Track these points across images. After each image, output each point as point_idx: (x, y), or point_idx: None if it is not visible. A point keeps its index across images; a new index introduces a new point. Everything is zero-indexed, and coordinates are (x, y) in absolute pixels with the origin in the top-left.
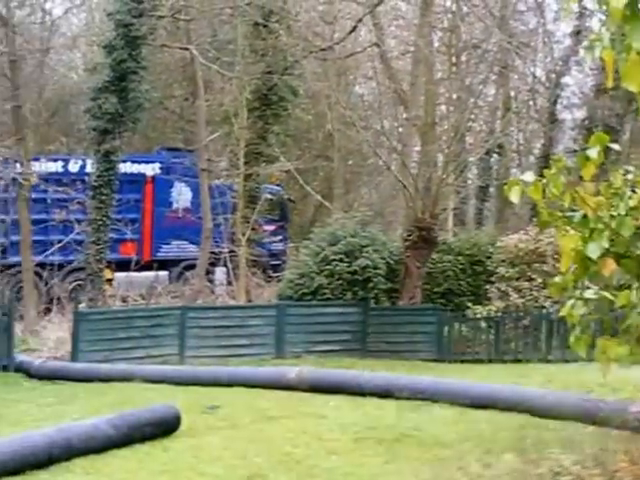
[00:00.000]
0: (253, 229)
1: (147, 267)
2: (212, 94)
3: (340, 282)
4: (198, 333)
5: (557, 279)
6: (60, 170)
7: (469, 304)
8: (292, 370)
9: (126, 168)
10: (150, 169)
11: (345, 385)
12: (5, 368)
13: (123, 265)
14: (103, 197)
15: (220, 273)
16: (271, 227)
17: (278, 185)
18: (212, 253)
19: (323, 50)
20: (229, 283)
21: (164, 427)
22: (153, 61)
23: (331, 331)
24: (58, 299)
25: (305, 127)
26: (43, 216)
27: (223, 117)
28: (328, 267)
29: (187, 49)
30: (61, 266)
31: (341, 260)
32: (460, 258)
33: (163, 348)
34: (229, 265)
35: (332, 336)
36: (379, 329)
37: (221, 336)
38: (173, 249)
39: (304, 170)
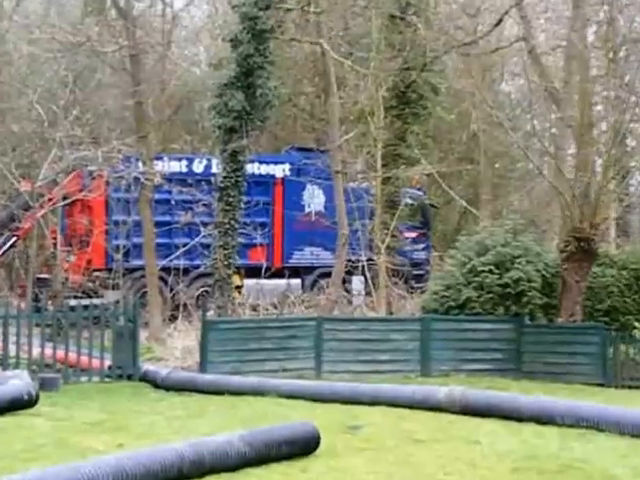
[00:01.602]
0: (393, 236)
1: (278, 274)
2: (345, 91)
3: (490, 295)
4: (335, 346)
5: None
6: (184, 170)
7: (636, 323)
8: (441, 390)
9: (254, 169)
10: (280, 170)
11: (501, 408)
12: (130, 377)
13: (253, 272)
14: (230, 199)
15: (358, 282)
16: (412, 234)
17: (419, 189)
18: (348, 261)
19: (466, 45)
20: (367, 293)
21: (302, 446)
22: (281, 56)
23: (481, 349)
24: (184, 306)
25: (447, 128)
26: (167, 218)
27: (357, 116)
28: (477, 279)
29: (318, 43)
30: (187, 271)
31: (491, 271)
32: (624, 273)
33: (298, 361)
34: (367, 274)
35: (483, 354)
36: (535, 348)
37: (361, 350)
38: (306, 256)
39: (447, 174)
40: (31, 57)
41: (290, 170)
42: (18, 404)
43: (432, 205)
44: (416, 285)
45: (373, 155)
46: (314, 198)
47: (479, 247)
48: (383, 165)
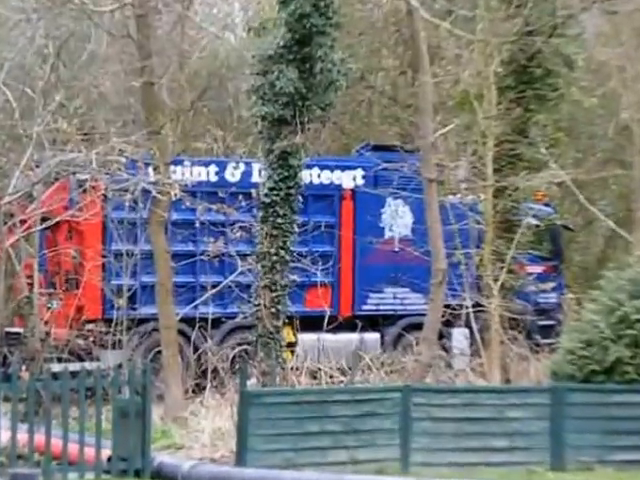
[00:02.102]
0: (511, 271)
1: (348, 326)
2: (442, 66)
3: None
4: (429, 428)
5: None
6: (213, 179)
7: None
8: None
9: (313, 177)
10: (349, 178)
11: None
12: (138, 473)
13: (311, 323)
14: (279, 220)
15: (460, 337)
16: (538, 268)
17: (547, 205)
18: (447, 307)
19: None
20: (474, 353)
21: None
22: (351, 16)
23: (638, 431)
24: (214, 372)
25: (587, 116)
26: (189, 248)
27: (460, 101)
28: (630, 332)
29: None
30: (218, 322)
31: None
32: None
33: (376, 449)
34: (474, 326)
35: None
36: None
37: (465, 434)
38: (387, 300)
39: (587, 182)
40: None
41: (364, 178)
42: None
43: (566, 227)
44: (544, 341)
45: (481, 156)
46: (398, 218)
47: (633, 287)
48: (496, 170)
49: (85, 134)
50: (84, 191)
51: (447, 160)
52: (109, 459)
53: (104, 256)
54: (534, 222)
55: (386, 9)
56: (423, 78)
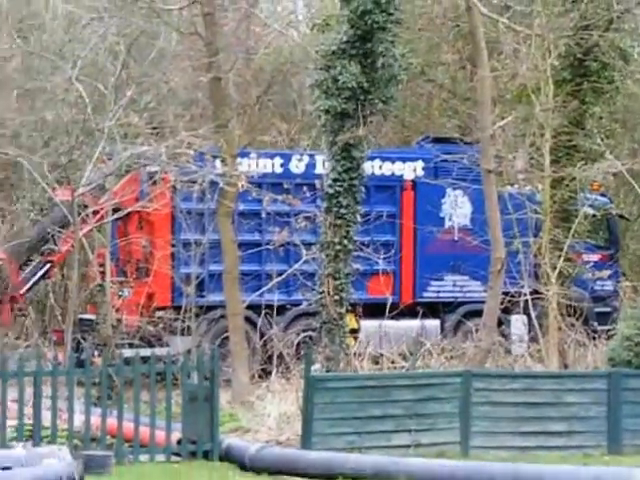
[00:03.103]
0: (568, 260)
1: (409, 313)
2: (500, 60)
3: None
4: (489, 412)
5: None
6: (278, 171)
7: None
8: (638, 472)
9: (375, 168)
10: (410, 170)
11: None
12: (207, 455)
13: (374, 310)
14: (342, 210)
15: (519, 324)
16: (595, 257)
17: (603, 195)
18: (505, 294)
19: None
20: (532, 339)
21: None
22: (411, 12)
23: None
24: (279, 357)
25: None
26: (255, 237)
27: (518, 94)
28: None
29: None
30: (283, 309)
31: None
32: None
33: (437, 433)
34: (532, 313)
35: None
36: None
37: (524, 418)
38: (447, 287)
39: None
40: (69, 19)
41: (424, 169)
42: None
43: (622, 217)
44: (600, 328)
45: (539, 148)
46: (457, 208)
47: None
48: (553, 161)
49: (155, 128)
50: (154, 183)
51: (505, 152)
52: (179, 442)
53: (173, 245)
54: (591, 212)
55: (445, 5)
56: (482, 72)
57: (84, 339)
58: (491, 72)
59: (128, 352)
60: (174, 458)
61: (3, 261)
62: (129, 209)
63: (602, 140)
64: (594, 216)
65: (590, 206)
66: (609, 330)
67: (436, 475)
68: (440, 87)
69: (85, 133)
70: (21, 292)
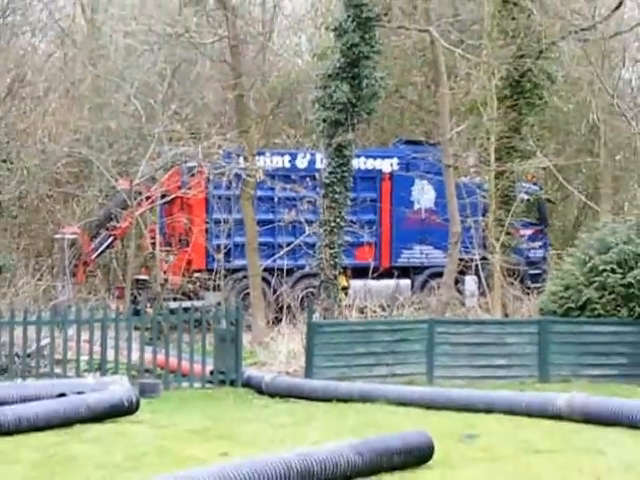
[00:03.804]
0: (508, 233)
1: (387, 274)
2: (456, 81)
3: (613, 296)
4: (448, 350)
5: None
6: (287, 165)
7: None
8: (561, 397)
9: (360, 164)
10: (387, 165)
11: (626, 416)
12: (233, 383)
13: (360, 272)
14: (336, 196)
15: (471, 283)
16: (528, 231)
17: (534, 184)
18: (461, 260)
19: (584, 30)
20: (481, 294)
21: (415, 456)
22: (388, 45)
23: (604, 353)
24: (288, 308)
25: (564, 118)
26: (269, 216)
27: (469, 107)
28: (598, 279)
29: (426, 31)
30: (290, 272)
31: (613, 271)
32: None
33: (408, 366)
34: (481, 274)
35: (605, 359)
36: None
37: (475, 354)
38: (416, 255)
39: (564, 167)
40: (128, 50)
41: (398, 165)
42: (118, 411)
43: (549, 200)
44: (533, 285)
45: (486, 148)
46: (424, 194)
47: (600, 245)
48: (497, 159)
49: (193, 133)
50: (192, 175)
51: (460, 151)
52: (211, 372)
53: (207, 222)
54: (525, 197)
55: (414, 39)
56: (442, 90)
57: (139, 294)
58: (449, 90)
59: (173, 304)
60: (208, 385)
61: (78, 235)
62: (173, 195)
63: (534, 142)
64: (528, 200)
65: (525, 192)
66: (539, 287)
67: (407, 397)
68: (410, 102)
69: (140, 137)
70: (91, 258)
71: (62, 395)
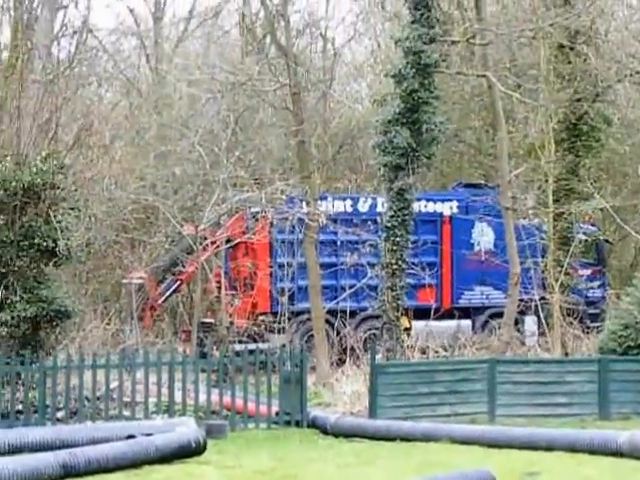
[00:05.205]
0: (567, 274)
1: (448, 315)
2: (514, 125)
3: None
4: (509, 389)
5: None
6: (349, 210)
7: None
8: (622, 434)
9: (421, 207)
10: (447, 208)
11: None
12: (298, 423)
13: (421, 313)
14: (397, 239)
15: (531, 323)
16: (587, 271)
17: (592, 225)
18: (521, 300)
19: (639, 73)
20: (541, 334)
21: None
22: (447, 90)
23: None
24: (351, 349)
25: (620, 160)
26: (332, 259)
27: (527, 150)
28: None
29: (484, 76)
30: (353, 314)
31: None
32: None
33: (470, 405)
34: (540, 314)
35: None
36: None
37: (536, 393)
38: (476, 295)
39: (621, 208)
40: (192, 98)
41: (458, 208)
42: (186, 452)
43: (607, 241)
44: (592, 325)
45: (544, 190)
46: (483, 236)
47: None
48: (555, 200)
49: (256, 179)
50: (256, 220)
51: (519, 193)
52: (277, 413)
53: (271, 266)
54: (584, 237)
55: (472, 84)
56: (500, 134)
57: (205, 337)
58: (507, 134)
59: (238, 347)
60: (274, 426)
61: (145, 280)
62: (238, 240)
63: (591, 184)
64: (586, 241)
65: (583, 233)
66: (599, 327)
67: (470, 436)
68: (469, 146)
69: (205, 184)
70: (158, 302)
71: (131, 437)
